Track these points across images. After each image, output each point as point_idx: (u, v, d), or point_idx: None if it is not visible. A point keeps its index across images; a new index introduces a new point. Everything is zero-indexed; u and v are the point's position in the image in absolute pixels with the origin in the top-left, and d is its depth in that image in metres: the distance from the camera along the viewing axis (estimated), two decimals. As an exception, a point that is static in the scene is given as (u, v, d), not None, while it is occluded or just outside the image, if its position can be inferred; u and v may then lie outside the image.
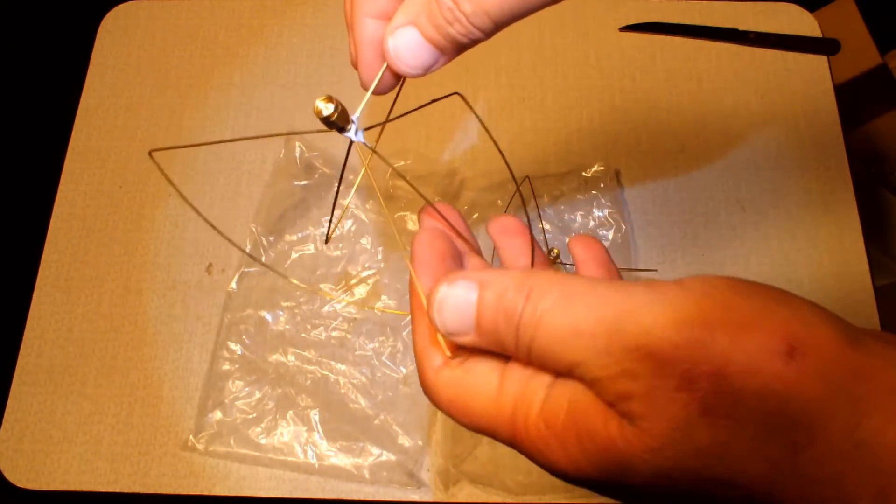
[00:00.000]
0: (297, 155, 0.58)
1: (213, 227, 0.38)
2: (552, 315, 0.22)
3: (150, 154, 0.27)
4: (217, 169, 0.61)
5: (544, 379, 0.23)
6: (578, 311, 0.21)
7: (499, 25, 0.23)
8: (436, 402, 0.26)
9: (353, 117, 0.26)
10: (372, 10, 0.25)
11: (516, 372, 0.24)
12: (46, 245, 0.59)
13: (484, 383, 0.24)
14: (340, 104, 0.25)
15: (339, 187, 0.40)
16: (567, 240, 0.51)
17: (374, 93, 0.26)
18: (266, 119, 0.62)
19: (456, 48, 0.24)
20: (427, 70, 0.25)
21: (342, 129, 0.26)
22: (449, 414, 0.25)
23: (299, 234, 0.57)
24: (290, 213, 0.58)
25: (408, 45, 0.24)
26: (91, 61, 0.66)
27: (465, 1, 0.23)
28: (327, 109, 0.24)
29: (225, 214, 0.59)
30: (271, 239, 0.57)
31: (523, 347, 0.22)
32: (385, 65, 0.25)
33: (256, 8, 0.67)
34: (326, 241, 0.50)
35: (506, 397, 0.24)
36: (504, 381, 0.24)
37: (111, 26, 0.67)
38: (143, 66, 0.65)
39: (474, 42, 0.24)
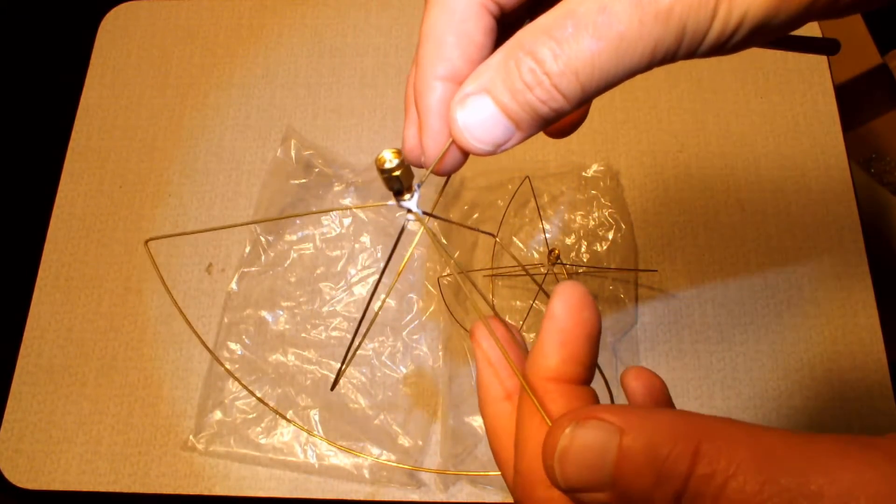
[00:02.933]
0: (294, 154, 0.58)
1: (185, 317, 0.37)
2: (740, 483, 0.16)
3: (145, 244, 0.25)
4: (217, 169, 0.61)
5: None
6: (783, 480, 0.16)
7: (587, 93, 0.19)
8: None
9: (416, 185, 0.23)
10: (443, 71, 0.21)
11: None
12: (46, 245, 0.59)
13: None
14: (407, 165, 0.22)
15: (384, 269, 0.35)
16: (619, 375, 0.50)
17: (438, 172, 0.22)
18: (266, 119, 0.62)
19: (535, 121, 0.20)
20: (498, 148, 0.21)
21: (400, 193, 0.22)
22: None
23: (299, 234, 0.57)
24: (289, 213, 0.58)
25: (479, 117, 0.20)
26: (91, 61, 0.66)
27: (549, 60, 0.19)
28: (391, 163, 0.21)
29: (225, 214, 0.59)
30: (271, 238, 0.57)
31: None
32: (450, 141, 0.22)
33: (256, 8, 0.67)
34: (332, 389, 0.49)
35: None
36: None
37: (111, 26, 0.67)
38: (143, 66, 0.65)
39: (557, 114, 0.20)
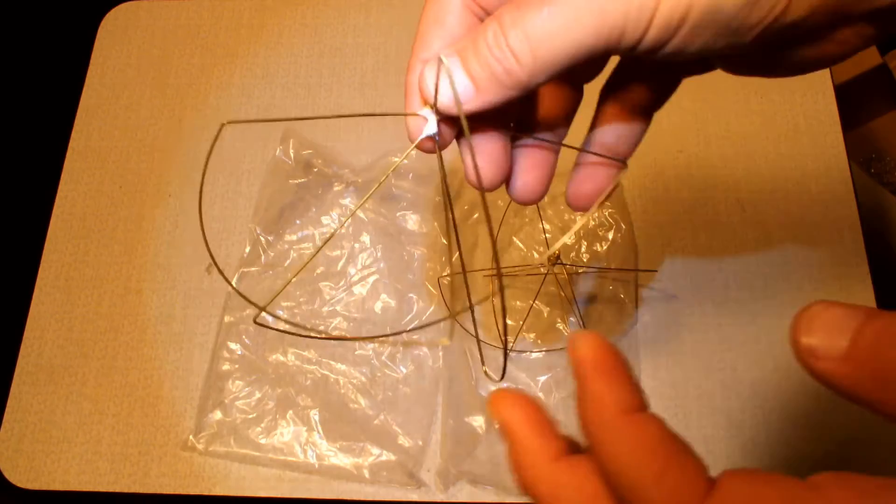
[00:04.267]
0: (293, 154, 0.58)
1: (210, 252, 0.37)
2: None
3: (222, 126, 0.25)
4: (217, 169, 0.61)
5: None
6: None
7: (537, 59, 0.21)
8: None
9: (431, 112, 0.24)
10: (425, 55, 0.24)
11: None
12: (46, 245, 0.59)
13: None
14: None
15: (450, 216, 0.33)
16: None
17: (420, 148, 0.25)
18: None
19: (490, 83, 0.22)
20: (460, 107, 0.22)
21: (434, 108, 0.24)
22: None
23: (299, 234, 0.57)
24: (289, 213, 0.58)
25: (445, 73, 0.22)
26: (91, 61, 0.66)
27: (509, 25, 0.21)
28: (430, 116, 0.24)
29: (225, 214, 0.59)
30: (271, 238, 0.57)
31: None
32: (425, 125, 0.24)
33: (256, 8, 0.67)
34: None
35: None
36: None
37: (111, 26, 0.67)
38: (143, 66, 0.65)
39: (510, 78, 0.22)
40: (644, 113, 0.30)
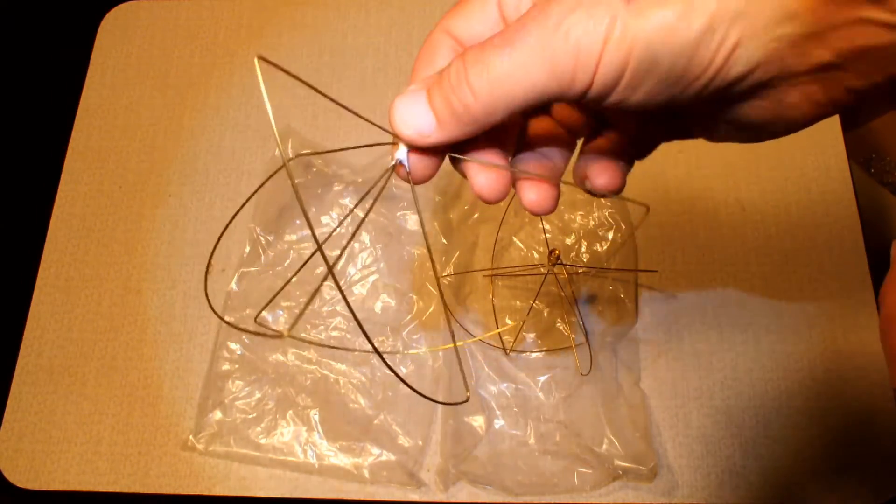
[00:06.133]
0: (292, 153, 0.58)
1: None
2: None
3: (257, 59, 0.26)
4: (217, 169, 0.61)
5: None
6: None
7: (494, 96, 0.22)
8: None
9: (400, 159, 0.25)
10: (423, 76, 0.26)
11: None
12: (46, 245, 0.59)
13: None
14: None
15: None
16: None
17: (414, 179, 0.26)
18: (265, 119, 0.62)
19: (451, 116, 0.23)
20: (421, 137, 0.24)
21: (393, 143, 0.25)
22: None
23: (298, 234, 0.57)
24: (288, 213, 0.58)
25: (409, 104, 0.24)
26: (91, 61, 0.66)
27: (471, 64, 0.22)
28: (401, 153, 0.25)
29: (225, 214, 0.59)
30: (270, 238, 0.57)
31: None
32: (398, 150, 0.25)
33: (256, 8, 0.67)
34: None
35: None
36: None
37: (111, 26, 0.67)
38: (143, 66, 0.65)
39: (473, 124, 0.23)
40: (624, 159, 0.31)
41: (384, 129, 0.26)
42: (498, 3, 0.25)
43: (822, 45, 0.21)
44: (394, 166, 0.25)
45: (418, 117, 0.24)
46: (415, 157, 0.25)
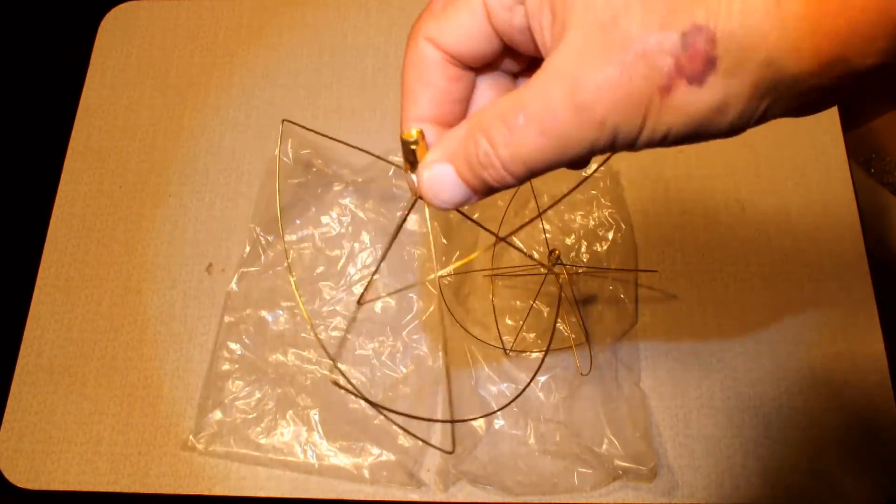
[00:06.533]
0: (291, 153, 0.58)
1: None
2: None
3: (283, 122, 0.27)
4: (217, 169, 0.61)
5: None
6: None
7: (533, 173, 0.23)
8: None
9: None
10: (414, 114, 0.25)
11: None
12: (46, 245, 0.59)
13: None
14: (424, 145, 0.25)
15: (392, 240, 0.37)
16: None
17: (432, 205, 0.26)
18: (266, 119, 0.62)
19: (488, 189, 0.24)
20: (457, 206, 0.24)
21: (413, 165, 0.25)
22: None
23: (298, 234, 0.57)
24: (288, 213, 0.58)
25: (441, 182, 0.24)
26: (91, 61, 0.66)
27: (502, 146, 0.22)
28: (411, 136, 0.24)
29: (225, 214, 0.59)
30: (271, 238, 0.57)
31: None
32: (415, 198, 0.25)
33: (256, 8, 0.67)
34: (360, 303, 0.51)
35: None
36: None
37: (111, 26, 0.67)
38: (143, 66, 0.65)
39: (506, 187, 0.23)
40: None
41: (397, 166, 0.26)
42: (483, 2, 0.23)
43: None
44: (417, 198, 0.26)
45: (452, 191, 0.24)
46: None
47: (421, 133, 0.25)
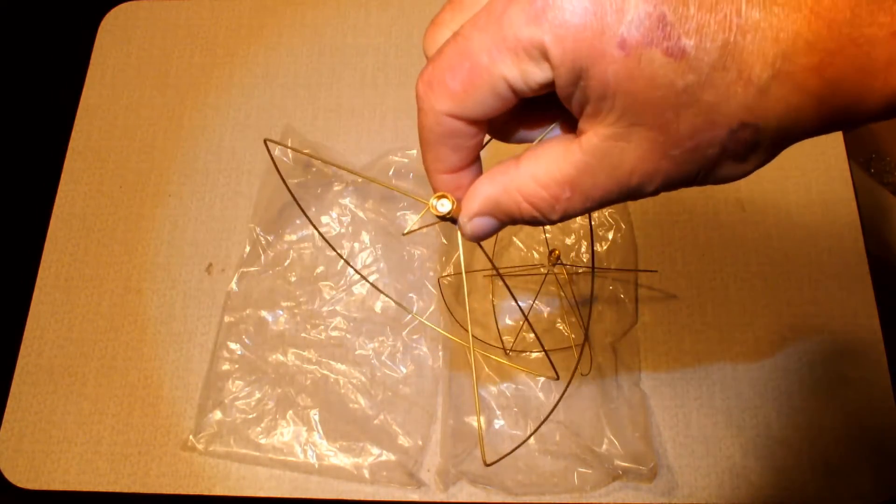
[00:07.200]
0: (291, 153, 0.58)
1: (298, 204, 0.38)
2: None
3: (265, 142, 0.27)
4: (217, 169, 0.61)
5: None
6: None
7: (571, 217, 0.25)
8: None
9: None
10: (442, 167, 0.26)
11: None
12: (46, 245, 0.59)
13: None
14: (454, 201, 0.26)
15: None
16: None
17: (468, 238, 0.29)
18: (266, 119, 0.62)
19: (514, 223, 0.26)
20: (491, 236, 0.27)
21: (454, 221, 0.27)
22: None
23: (298, 234, 0.57)
24: (288, 212, 0.58)
25: (482, 229, 0.26)
26: (91, 61, 0.66)
27: (549, 212, 0.24)
28: (443, 207, 0.26)
29: (225, 214, 0.59)
30: (270, 238, 0.57)
31: None
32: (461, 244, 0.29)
33: (256, 8, 0.67)
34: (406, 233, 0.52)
35: None
36: None
37: (111, 26, 0.67)
38: (143, 66, 0.65)
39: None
40: None
41: (419, 200, 0.28)
42: (511, 85, 0.22)
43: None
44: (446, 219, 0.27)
45: (490, 231, 0.26)
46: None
47: (452, 199, 0.26)
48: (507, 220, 0.26)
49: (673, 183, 0.23)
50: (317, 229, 0.55)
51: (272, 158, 0.40)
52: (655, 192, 0.23)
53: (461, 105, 0.23)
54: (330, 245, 0.50)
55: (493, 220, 0.26)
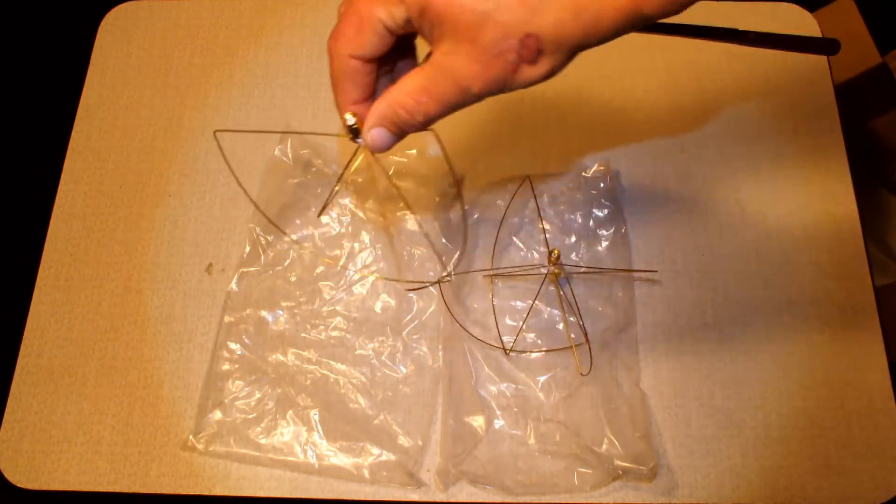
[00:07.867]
0: (291, 153, 0.58)
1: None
2: None
3: (214, 133, 0.33)
4: (217, 169, 0.61)
5: None
6: None
7: (431, 122, 0.34)
8: None
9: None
10: (349, 100, 0.36)
11: None
12: (46, 245, 0.59)
13: None
14: (360, 118, 0.36)
15: (338, 182, 0.50)
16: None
17: (372, 149, 0.37)
18: (266, 119, 0.62)
19: (404, 135, 0.36)
20: (389, 148, 0.36)
21: (356, 134, 0.36)
22: None
23: (299, 234, 0.57)
24: (288, 212, 0.58)
25: (379, 139, 0.36)
26: (91, 61, 0.66)
27: (414, 113, 0.33)
28: (350, 120, 0.36)
29: (225, 214, 0.59)
30: (270, 238, 0.57)
31: None
32: (361, 149, 0.38)
33: (256, 8, 0.67)
34: (319, 215, 0.57)
35: None
36: None
37: (111, 26, 0.67)
38: (143, 66, 0.65)
39: (416, 130, 0.35)
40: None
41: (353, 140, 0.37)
42: (385, 25, 0.33)
43: None
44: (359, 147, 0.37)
45: (386, 142, 0.36)
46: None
47: (356, 115, 0.36)
48: (393, 128, 0.35)
49: (489, 83, 0.32)
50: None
51: (221, 150, 0.50)
52: (480, 94, 0.32)
53: (358, 46, 0.34)
54: (325, 255, 0.50)
55: (385, 130, 0.35)
